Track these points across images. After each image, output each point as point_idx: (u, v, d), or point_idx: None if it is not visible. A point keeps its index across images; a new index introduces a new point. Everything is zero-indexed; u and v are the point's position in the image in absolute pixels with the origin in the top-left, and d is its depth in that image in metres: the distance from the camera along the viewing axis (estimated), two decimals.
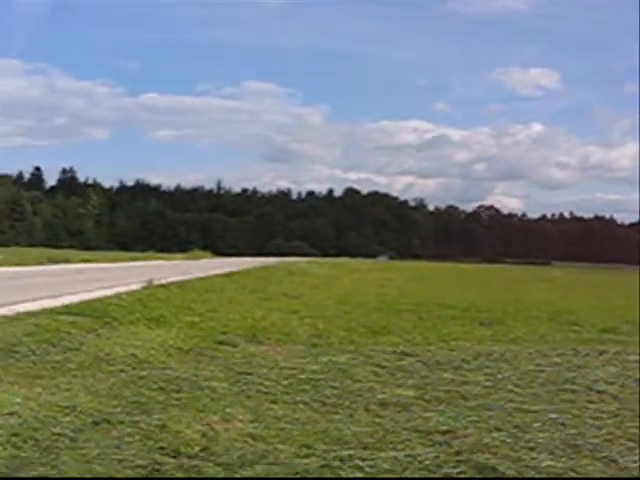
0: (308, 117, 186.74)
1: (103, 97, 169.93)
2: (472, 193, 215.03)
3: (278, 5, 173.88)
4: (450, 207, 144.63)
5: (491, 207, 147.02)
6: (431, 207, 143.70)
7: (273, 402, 5.91)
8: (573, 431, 5.27)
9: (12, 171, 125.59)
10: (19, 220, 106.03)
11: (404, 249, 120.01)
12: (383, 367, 7.73)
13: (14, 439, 4.42)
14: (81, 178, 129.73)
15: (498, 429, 5.27)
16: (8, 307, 10.53)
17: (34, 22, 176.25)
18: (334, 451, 4.64)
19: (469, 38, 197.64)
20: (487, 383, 7.01)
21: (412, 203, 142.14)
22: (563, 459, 4.62)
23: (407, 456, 4.57)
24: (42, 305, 11.03)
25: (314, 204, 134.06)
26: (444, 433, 5.14)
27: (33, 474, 3.95)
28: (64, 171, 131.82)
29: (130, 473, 4.10)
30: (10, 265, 23.93)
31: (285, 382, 6.70)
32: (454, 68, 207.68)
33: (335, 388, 6.58)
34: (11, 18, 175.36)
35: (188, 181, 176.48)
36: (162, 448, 4.54)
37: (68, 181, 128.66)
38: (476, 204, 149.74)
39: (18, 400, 5.32)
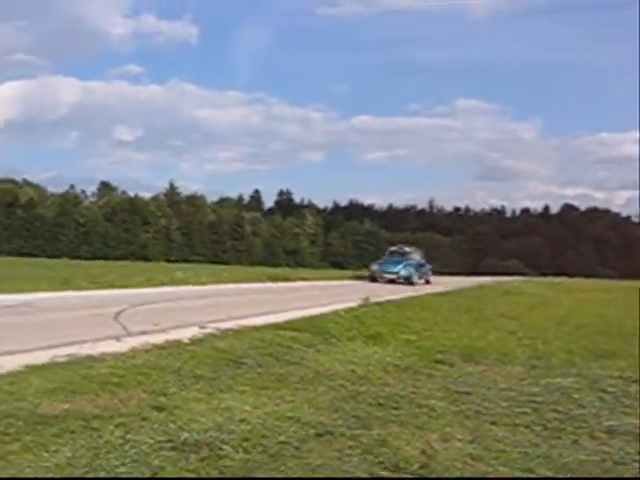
0: (521, 132, 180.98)
1: (317, 122, 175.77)
2: None
3: (484, 19, 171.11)
4: None
5: None
6: None
7: (492, 423, 5.77)
8: None
9: (234, 194, 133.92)
10: (240, 240, 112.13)
11: (627, 268, 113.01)
12: (609, 393, 7.29)
13: (245, 444, 4.68)
14: (297, 199, 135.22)
15: None
16: (234, 322, 11.18)
17: (255, 55, 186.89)
18: (558, 477, 4.47)
19: None
20: None
21: (635, 219, 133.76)
22: None
23: None
24: (265, 320, 11.60)
25: (529, 222, 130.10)
26: None
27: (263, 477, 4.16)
28: (281, 193, 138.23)
29: None
30: (233, 282, 25.35)
31: (505, 404, 6.53)
32: None
33: (557, 412, 6.31)
34: (235, 54, 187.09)
35: (400, 200, 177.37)
36: (382, 463, 4.59)
37: (285, 203, 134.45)
38: None
39: (247, 408, 5.62)
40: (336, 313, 13.50)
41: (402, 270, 32.19)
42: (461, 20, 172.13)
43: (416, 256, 35.22)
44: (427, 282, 33.66)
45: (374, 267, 33.76)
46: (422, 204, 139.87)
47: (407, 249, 36.27)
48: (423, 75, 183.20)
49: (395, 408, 6.09)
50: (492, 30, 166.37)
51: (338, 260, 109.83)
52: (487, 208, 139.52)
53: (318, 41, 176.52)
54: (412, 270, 32.49)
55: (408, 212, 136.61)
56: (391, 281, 31.29)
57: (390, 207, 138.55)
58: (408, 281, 31.37)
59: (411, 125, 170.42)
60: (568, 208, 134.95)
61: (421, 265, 34.64)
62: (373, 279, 32.20)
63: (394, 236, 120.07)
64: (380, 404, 6.22)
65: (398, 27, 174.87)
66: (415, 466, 4.54)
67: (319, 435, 5.08)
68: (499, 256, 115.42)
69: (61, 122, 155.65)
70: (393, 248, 36.89)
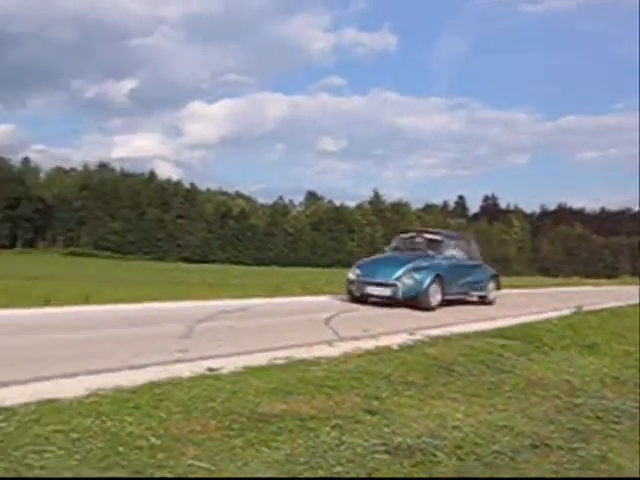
0: None
1: (522, 124, 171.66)
2: None
3: None
4: None
5: None
6: None
7: None
8: None
9: (438, 200, 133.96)
10: None
11: None
12: None
13: (458, 451, 4.65)
14: (503, 204, 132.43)
15: None
16: (443, 328, 11.22)
17: (455, 60, 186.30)
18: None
19: None
20: None
21: None
22: None
23: None
24: (473, 328, 11.49)
25: None
26: None
27: None
28: (486, 198, 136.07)
29: None
30: None
31: None
32: None
33: None
34: (435, 59, 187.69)
35: (613, 204, 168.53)
36: (602, 479, 4.40)
37: (490, 208, 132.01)
38: None
39: (459, 416, 5.59)
40: (548, 321, 13.10)
41: (403, 278, 15.13)
42: None
43: (452, 250, 17.05)
44: (483, 300, 17.93)
45: (353, 273, 16.12)
46: (637, 206, 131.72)
47: (433, 236, 17.42)
48: (631, 71, 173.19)
49: (615, 422, 5.79)
50: None
51: (546, 266, 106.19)
52: None
53: (519, 42, 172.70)
54: (428, 278, 15.26)
55: (623, 215, 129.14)
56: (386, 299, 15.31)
57: (602, 210, 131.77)
58: (413, 300, 15.09)
59: (621, 124, 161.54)
60: None
61: (460, 268, 16.88)
62: (352, 295, 15.95)
63: (607, 240, 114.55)
64: (598, 417, 5.93)
65: (605, 21, 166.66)
66: None
67: (534, 446, 4.94)
68: None
69: (269, 136, 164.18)
70: (405, 235, 18.18)
